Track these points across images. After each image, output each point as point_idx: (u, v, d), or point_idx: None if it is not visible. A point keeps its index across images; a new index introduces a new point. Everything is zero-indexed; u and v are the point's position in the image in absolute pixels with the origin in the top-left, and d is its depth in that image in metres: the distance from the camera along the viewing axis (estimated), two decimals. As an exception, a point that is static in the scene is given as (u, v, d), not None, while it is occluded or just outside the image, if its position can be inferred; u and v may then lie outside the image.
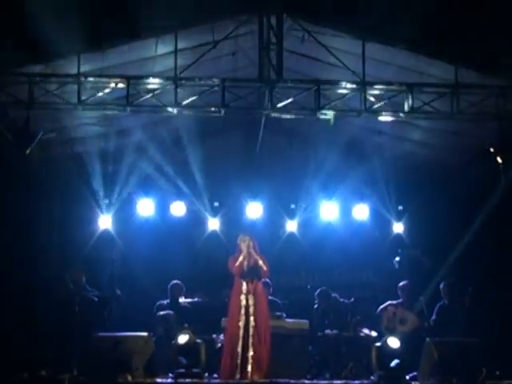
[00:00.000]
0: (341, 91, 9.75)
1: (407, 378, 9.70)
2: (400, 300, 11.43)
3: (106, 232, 12.48)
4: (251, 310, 9.67)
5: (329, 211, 12.83)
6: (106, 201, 12.43)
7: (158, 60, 9.72)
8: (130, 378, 9.18)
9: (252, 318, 9.63)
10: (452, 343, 9.78)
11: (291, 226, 13.05)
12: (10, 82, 9.27)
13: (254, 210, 12.70)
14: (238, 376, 9.43)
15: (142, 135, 11.87)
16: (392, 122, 10.49)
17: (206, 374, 9.77)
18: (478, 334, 9.91)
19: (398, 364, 9.79)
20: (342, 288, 12.83)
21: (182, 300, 11.36)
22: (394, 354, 9.81)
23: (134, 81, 9.46)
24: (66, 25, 9.15)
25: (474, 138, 11.00)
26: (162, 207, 12.79)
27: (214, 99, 9.65)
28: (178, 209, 12.71)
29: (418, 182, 12.97)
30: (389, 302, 11.42)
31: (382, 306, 11.42)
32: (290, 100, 9.67)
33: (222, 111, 9.64)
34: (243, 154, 13.13)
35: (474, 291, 10.87)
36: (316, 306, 11.37)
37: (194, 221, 12.97)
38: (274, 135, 12.64)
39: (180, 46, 9.41)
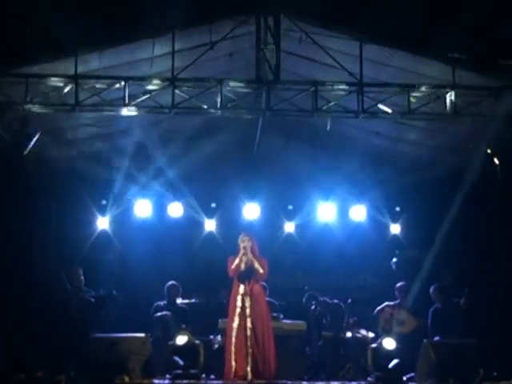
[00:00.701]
0: (338, 92, 9.76)
1: (404, 379, 9.69)
2: (397, 301, 11.44)
3: (103, 233, 12.48)
4: (247, 311, 9.58)
5: (326, 212, 12.83)
6: (104, 202, 12.43)
7: (155, 61, 9.71)
8: (127, 379, 9.18)
9: (249, 320, 9.53)
10: (449, 344, 9.79)
11: (289, 227, 13.06)
12: (7, 83, 9.26)
13: (252, 211, 12.70)
14: (237, 378, 9.36)
15: (140, 136, 11.87)
16: (389, 122, 10.49)
17: (204, 375, 9.76)
18: (475, 335, 9.92)
19: (395, 365, 9.78)
20: (339, 289, 12.84)
21: (179, 301, 11.35)
22: (389, 355, 9.80)
23: (131, 82, 9.46)
24: (63, 25, 9.17)
25: (471, 139, 11.00)
26: (160, 208, 12.78)
27: (212, 100, 9.65)
28: (176, 210, 12.71)
29: (415, 183, 12.98)
30: (386, 303, 11.43)
31: (379, 307, 11.44)
32: (287, 101, 9.67)
33: (220, 112, 9.65)
34: (240, 154, 13.13)
35: (471, 292, 10.86)
36: (313, 307, 11.37)
37: (191, 222, 12.97)
38: (272, 136, 12.64)
39: (177, 46, 9.39)
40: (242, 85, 9.73)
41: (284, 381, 9.48)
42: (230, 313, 9.73)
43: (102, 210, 12.47)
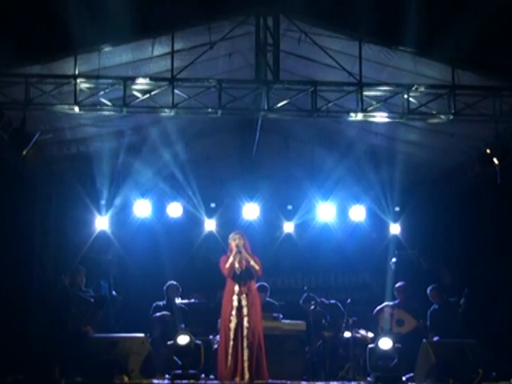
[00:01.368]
0: (337, 92, 9.75)
1: (404, 379, 9.69)
2: (397, 301, 11.44)
3: (102, 233, 12.47)
4: (245, 310, 9.54)
5: (325, 212, 12.81)
6: (103, 202, 12.42)
7: (154, 61, 9.71)
8: (126, 379, 9.18)
9: (246, 320, 9.50)
10: (449, 344, 9.80)
11: (288, 227, 13.04)
12: (7, 83, 9.24)
13: (251, 211, 12.69)
14: (237, 379, 9.34)
15: (139, 136, 11.87)
16: (388, 123, 10.49)
17: (203, 376, 9.76)
18: (474, 335, 9.92)
19: (394, 365, 9.77)
20: (338, 289, 12.85)
21: (178, 301, 11.35)
22: (385, 355, 9.77)
23: (130, 82, 9.45)
24: (62, 26, 9.17)
25: (470, 140, 11.00)
26: (159, 208, 12.77)
27: (211, 100, 9.65)
28: (175, 210, 12.70)
29: (414, 184, 12.99)
30: (385, 304, 11.44)
31: (378, 308, 11.44)
32: (286, 101, 9.66)
33: (219, 112, 9.64)
34: (240, 155, 13.12)
35: (471, 292, 10.86)
36: (312, 307, 11.36)
37: (191, 222, 12.96)
38: (271, 136, 12.65)
39: (176, 47, 9.38)
40: (241, 85, 9.74)
41: (283, 381, 9.47)
42: (223, 313, 9.66)
43: (101, 210, 12.46)
